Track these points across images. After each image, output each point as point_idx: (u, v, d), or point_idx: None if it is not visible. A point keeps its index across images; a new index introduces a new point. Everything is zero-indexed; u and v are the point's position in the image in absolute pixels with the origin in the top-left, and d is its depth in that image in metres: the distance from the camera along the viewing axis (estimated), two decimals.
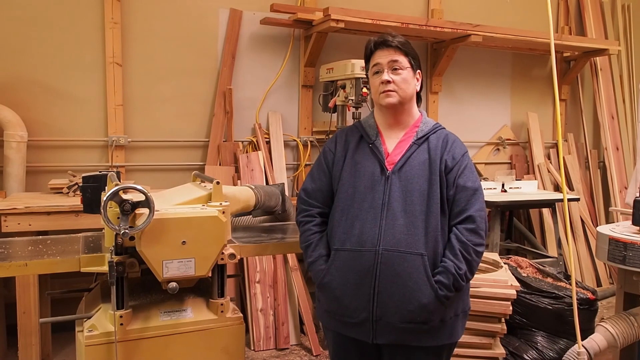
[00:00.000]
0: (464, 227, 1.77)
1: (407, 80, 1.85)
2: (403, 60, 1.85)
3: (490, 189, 4.24)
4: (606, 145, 4.99)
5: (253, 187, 2.30)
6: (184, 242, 1.71)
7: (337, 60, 3.58)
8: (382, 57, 1.85)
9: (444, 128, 1.93)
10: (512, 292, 2.63)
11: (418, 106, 1.96)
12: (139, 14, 3.64)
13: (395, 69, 1.84)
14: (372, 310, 1.74)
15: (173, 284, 1.71)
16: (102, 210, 1.62)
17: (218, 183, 1.87)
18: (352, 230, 1.79)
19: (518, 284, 2.72)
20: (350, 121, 3.44)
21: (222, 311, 1.87)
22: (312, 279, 1.92)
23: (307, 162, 4.07)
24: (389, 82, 1.82)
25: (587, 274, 4.77)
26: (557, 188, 4.83)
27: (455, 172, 1.81)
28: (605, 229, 2.42)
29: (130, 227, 1.63)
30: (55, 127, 3.50)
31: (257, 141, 3.91)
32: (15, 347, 2.93)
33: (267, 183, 3.74)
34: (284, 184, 3.45)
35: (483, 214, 1.80)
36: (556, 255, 4.25)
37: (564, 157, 4.96)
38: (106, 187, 1.88)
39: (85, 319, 1.81)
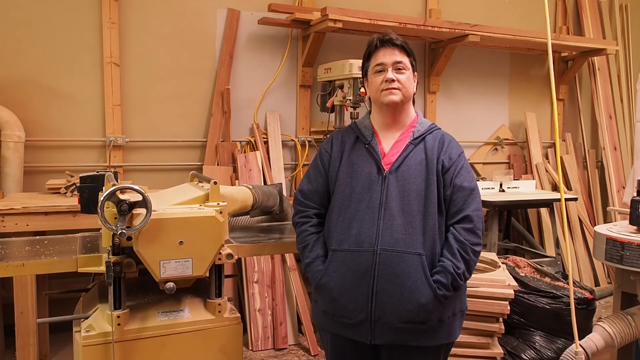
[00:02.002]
0: (461, 226, 1.77)
1: (410, 80, 1.87)
2: (406, 61, 1.86)
3: (488, 188, 4.24)
4: (604, 144, 4.99)
5: (251, 187, 2.29)
6: (181, 242, 1.71)
7: (335, 60, 3.58)
8: (387, 56, 1.85)
9: (439, 128, 1.94)
10: (510, 292, 2.63)
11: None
12: (136, 14, 3.64)
13: (399, 69, 1.84)
14: (371, 310, 1.74)
15: (170, 284, 1.71)
16: (99, 211, 1.62)
17: (215, 183, 1.87)
18: (349, 230, 1.79)
19: (516, 284, 2.73)
20: (348, 121, 3.42)
21: (219, 311, 1.86)
22: (309, 280, 1.91)
23: (305, 162, 4.07)
24: (393, 80, 1.82)
25: (585, 274, 4.78)
26: (555, 188, 4.83)
27: (452, 173, 1.82)
28: (602, 228, 2.42)
29: (127, 227, 1.63)
30: (53, 127, 3.50)
31: (255, 141, 3.91)
32: (12, 347, 2.93)
33: (265, 183, 3.74)
34: (281, 184, 3.45)
35: (480, 214, 1.81)
36: (554, 255, 4.25)
37: (561, 157, 4.97)
38: (103, 188, 1.87)
39: (82, 319, 1.81)
